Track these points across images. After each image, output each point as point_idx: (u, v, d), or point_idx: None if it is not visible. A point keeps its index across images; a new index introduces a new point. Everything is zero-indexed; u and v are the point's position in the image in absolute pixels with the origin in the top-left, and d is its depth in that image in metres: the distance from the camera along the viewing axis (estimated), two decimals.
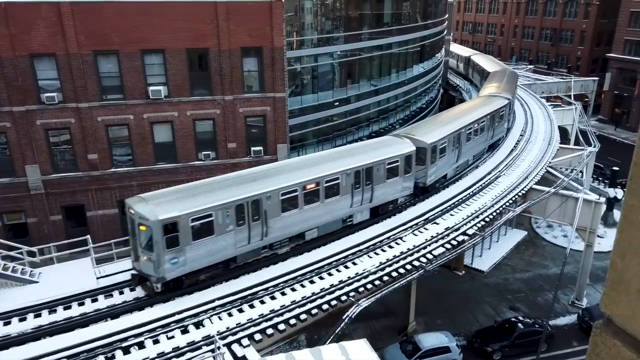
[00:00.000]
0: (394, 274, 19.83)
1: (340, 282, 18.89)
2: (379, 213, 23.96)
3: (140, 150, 26.48)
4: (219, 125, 27.34)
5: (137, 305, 17.05)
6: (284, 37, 26.99)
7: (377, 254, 21.04)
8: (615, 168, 42.13)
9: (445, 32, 56.48)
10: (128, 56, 24.91)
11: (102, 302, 17.08)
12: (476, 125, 30.96)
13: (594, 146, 37.99)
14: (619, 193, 38.53)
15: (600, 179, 45.73)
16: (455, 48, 70.81)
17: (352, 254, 20.69)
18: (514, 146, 35.37)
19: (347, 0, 35.54)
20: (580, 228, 27.70)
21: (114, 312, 16.58)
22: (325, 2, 34.86)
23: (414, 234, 22.66)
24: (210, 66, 26.29)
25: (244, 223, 18.55)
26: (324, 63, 34.86)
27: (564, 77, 64.47)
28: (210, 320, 16.47)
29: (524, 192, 28.07)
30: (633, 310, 1.44)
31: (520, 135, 38.12)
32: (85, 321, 16.05)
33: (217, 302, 17.25)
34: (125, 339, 15.31)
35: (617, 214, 37.92)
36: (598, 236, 30.26)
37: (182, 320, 16.31)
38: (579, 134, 42.61)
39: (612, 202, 38.01)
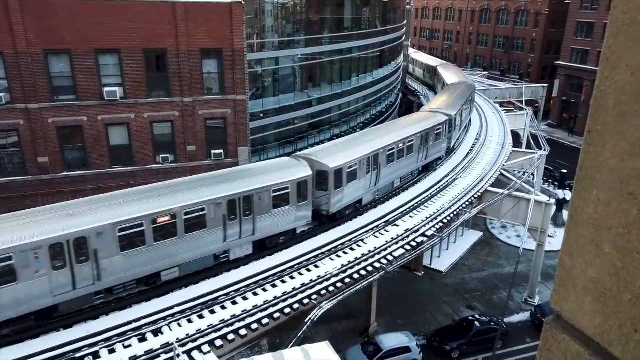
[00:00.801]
0: (356, 275, 20.00)
1: (303, 285, 18.86)
2: (266, 247, 21.01)
3: (95, 153, 25.56)
4: (177, 127, 26.76)
5: (92, 314, 16.42)
6: (244, 39, 26.77)
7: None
8: (564, 170, 44.19)
9: (403, 38, 57.65)
10: (81, 56, 24.02)
11: None
12: (401, 144, 27.46)
13: (544, 150, 39.72)
14: (567, 194, 40.39)
15: (550, 181, 47.82)
16: (422, 57, 69.77)
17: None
18: (470, 149, 36.46)
19: (308, 4, 35.68)
20: (532, 228, 28.84)
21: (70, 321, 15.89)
22: (286, 5, 34.86)
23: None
24: (168, 67, 25.72)
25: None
26: (285, 66, 34.83)
27: (516, 83, 67.14)
28: (169, 327, 16.07)
29: (479, 194, 28.97)
30: (580, 306, 1.51)
31: (476, 139, 39.35)
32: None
33: (177, 309, 16.86)
34: (79, 349, 14.70)
35: (565, 214, 39.62)
36: (549, 236, 31.60)
37: (140, 328, 15.83)
38: (530, 138, 44.46)
39: (561, 203, 39.80)
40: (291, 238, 21.87)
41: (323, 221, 23.27)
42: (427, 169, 31.72)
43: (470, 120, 42.18)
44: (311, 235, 22.53)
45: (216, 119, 27.53)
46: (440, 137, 31.42)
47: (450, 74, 51.52)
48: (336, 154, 23.92)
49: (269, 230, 20.57)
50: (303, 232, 22.87)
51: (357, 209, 25.40)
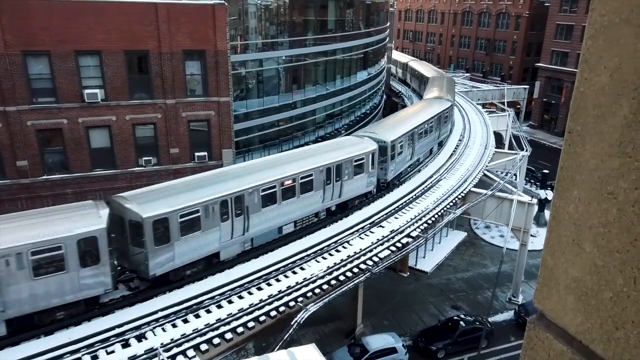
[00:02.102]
0: (342, 277, 20.01)
1: (289, 287, 18.80)
2: (347, 207, 25.38)
3: (75, 156, 25.15)
4: (160, 130, 26.48)
5: (73, 321, 16.12)
6: (227, 40, 26.63)
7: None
8: (546, 171, 44.90)
9: (387, 40, 58.02)
10: (60, 57, 23.62)
11: None
12: (427, 125, 32.86)
13: (526, 150, 40.32)
14: (549, 194, 41.03)
15: (532, 181, 48.52)
16: (398, 56, 73.17)
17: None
18: (454, 150, 36.80)
19: (292, 6, 35.67)
20: (515, 228, 29.22)
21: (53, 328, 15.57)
22: (269, 7, 34.80)
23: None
24: (150, 69, 25.45)
25: None
26: (269, 68, 34.76)
27: (498, 85, 68.06)
28: (154, 332, 15.86)
29: (463, 194, 29.26)
30: (562, 305, 1.52)
31: (459, 140, 39.74)
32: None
33: (161, 314, 16.66)
34: (61, 357, 14.42)
35: (547, 214, 40.34)
36: (531, 235, 32.04)
37: (123, 333, 15.60)
38: (512, 139, 45.07)
39: (543, 203, 40.41)
40: (362, 201, 26.35)
41: (382, 187, 28.38)
42: (441, 145, 37.70)
43: (453, 122, 42.75)
44: (296, 238, 22.49)
45: (199, 121, 27.32)
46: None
47: (422, 66, 60.34)
48: (390, 130, 28.94)
49: (351, 193, 25.06)
50: (287, 233, 22.84)
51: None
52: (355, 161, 25.06)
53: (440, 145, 37.69)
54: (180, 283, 18.52)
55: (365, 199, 26.93)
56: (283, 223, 22.41)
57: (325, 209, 24.83)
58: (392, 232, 23.51)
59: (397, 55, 73.77)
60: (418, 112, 35.37)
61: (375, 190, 27.78)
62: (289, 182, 21.94)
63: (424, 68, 59.85)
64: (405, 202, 27.06)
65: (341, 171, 24.21)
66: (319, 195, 23.38)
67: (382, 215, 25.24)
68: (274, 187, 21.19)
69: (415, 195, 28.05)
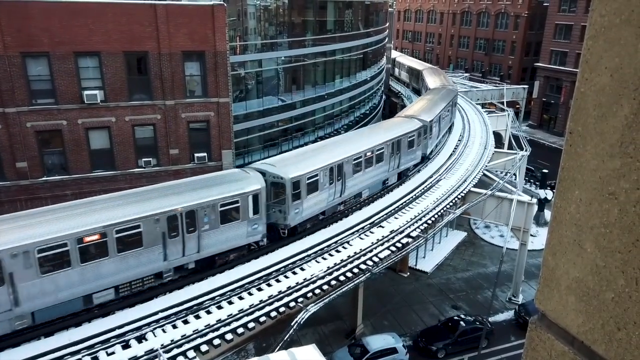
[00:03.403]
0: (342, 277, 20.01)
1: (289, 287, 18.80)
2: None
3: (75, 158, 25.13)
4: (160, 131, 26.47)
5: (75, 321, 16.11)
6: (227, 41, 26.63)
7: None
8: (545, 170, 44.91)
9: (386, 40, 58.04)
10: (60, 58, 23.61)
11: None
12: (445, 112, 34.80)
13: (526, 150, 40.33)
14: (548, 194, 41.05)
15: (531, 181, 48.53)
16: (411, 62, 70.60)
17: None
18: (454, 150, 36.81)
19: (291, 7, 35.67)
20: (515, 228, 29.23)
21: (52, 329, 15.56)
22: (268, 7, 34.81)
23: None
24: (150, 70, 25.44)
25: None
26: (269, 68, 34.76)
27: (497, 84, 68.07)
28: (154, 333, 15.85)
29: (462, 194, 29.26)
30: (564, 305, 1.52)
31: (459, 140, 39.75)
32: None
33: (161, 315, 16.65)
34: (61, 358, 14.41)
35: (547, 214, 40.38)
36: (531, 235, 32.05)
37: (123, 334, 15.59)
38: (511, 138, 45.09)
39: (542, 203, 40.41)
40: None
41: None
42: (450, 129, 40.38)
43: (452, 125, 42.82)
44: (296, 239, 22.48)
45: (199, 122, 27.31)
46: (451, 112, 40.83)
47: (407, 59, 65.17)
48: (426, 112, 33.57)
49: (407, 164, 30.30)
50: (287, 237, 22.82)
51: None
52: (409, 138, 29.99)
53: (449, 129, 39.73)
54: (181, 284, 18.52)
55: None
56: (364, 188, 26.78)
57: (389, 177, 29.39)
58: (392, 232, 23.51)
59: (408, 60, 70.71)
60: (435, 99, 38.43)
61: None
62: (369, 154, 26.35)
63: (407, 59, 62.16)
64: (405, 202, 27.06)
65: (401, 146, 29.24)
66: (386, 166, 28.32)
67: (382, 216, 25.24)
68: (360, 157, 25.59)
69: (415, 195, 28.05)
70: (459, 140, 39.71)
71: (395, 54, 74.56)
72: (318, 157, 23.73)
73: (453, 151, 36.61)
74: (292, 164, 22.40)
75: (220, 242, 19.49)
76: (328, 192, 23.55)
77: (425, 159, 33.28)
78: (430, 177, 31.06)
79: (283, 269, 20.05)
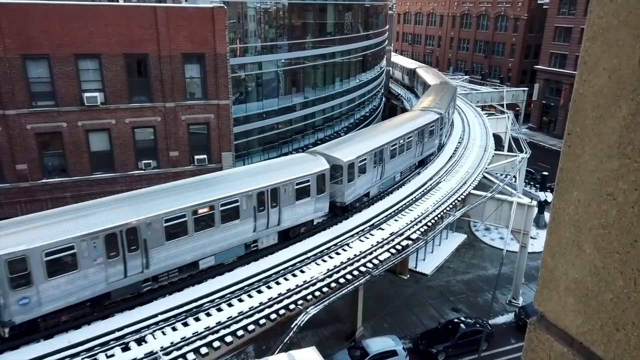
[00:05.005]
0: (342, 280, 19.99)
1: (289, 290, 18.78)
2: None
3: (75, 160, 25.14)
4: (160, 133, 26.49)
5: (75, 323, 16.08)
6: (226, 43, 26.67)
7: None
8: (545, 173, 44.91)
9: (386, 43, 58.13)
10: (60, 61, 23.64)
11: None
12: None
13: (526, 152, 40.33)
14: (548, 196, 41.04)
15: (531, 183, 48.53)
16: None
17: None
18: (454, 152, 36.81)
19: (291, 9, 35.73)
20: (515, 230, 29.21)
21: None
22: (268, 10, 34.87)
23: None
24: (150, 72, 25.47)
25: None
26: (269, 71, 34.79)
27: (497, 87, 68.13)
28: (153, 335, 15.83)
29: (462, 196, 29.26)
30: (563, 307, 1.52)
31: (459, 142, 39.75)
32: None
33: (160, 317, 16.63)
34: None
35: (547, 216, 40.27)
36: (531, 237, 32.01)
37: (123, 337, 15.56)
38: (511, 141, 45.10)
39: (542, 205, 40.40)
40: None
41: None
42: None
43: (452, 124, 42.84)
44: (297, 240, 22.48)
45: (199, 124, 27.33)
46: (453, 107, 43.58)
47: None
48: (438, 105, 35.76)
49: (428, 152, 33.30)
50: (289, 237, 22.84)
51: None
52: (430, 128, 32.57)
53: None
54: (181, 286, 18.50)
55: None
56: (396, 172, 29.72)
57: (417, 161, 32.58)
58: (392, 234, 23.49)
59: (402, 60, 72.62)
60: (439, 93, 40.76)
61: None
62: (402, 141, 29.23)
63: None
64: (405, 204, 27.05)
65: (424, 134, 31.90)
66: (414, 152, 31.07)
67: (382, 218, 25.23)
68: (395, 144, 28.34)
69: (415, 197, 28.05)
70: (458, 142, 39.72)
71: (393, 55, 74.85)
72: (364, 143, 26.78)
73: (453, 153, 36.61)
74: (345, 148, 25.46)
75: (295, 217, 22.28)
76: (372, 174, 26.73)
77: (441, 147, 36.45)
78: (430, 179, 31.06)
79: (283, 271, 20.03)
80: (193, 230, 18.36)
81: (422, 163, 33.77)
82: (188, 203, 18.31)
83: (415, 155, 31.99)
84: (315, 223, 23.74)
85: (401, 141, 29.35)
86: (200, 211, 18.64)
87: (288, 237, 22.42)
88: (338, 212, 24.88)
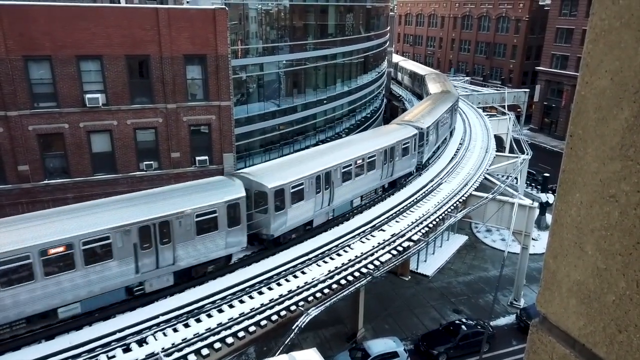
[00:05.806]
0: (343, 281, 19.97)
1: (290, 291, 18.77)
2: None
3: (76, 161, 25.18)
4: (161, 134, 26.52)
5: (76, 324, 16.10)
6: (228, 45, 26.71)
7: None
8: (546, 174, 44.85)
9: (387, 44, 58.15)
10: (62, 62, 23.69)
11: None
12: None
13: (527, 154, 40.29)
14: (550, 198, 40.99)
15: (533, 184, 48.47)
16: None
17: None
18: (455, 154, 36.81)
19: (292, 11, 35.77)
20: (517, 231, 29.18)
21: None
22: (270, 11, 34.91)
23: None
24: (151, 73, 25.51)
25: None
26: (270, 72, 34.83)
27: (498, 88, 68.10)
28: (155, 336, 15.83)
29: (464, 198, 29.23)
30: (565, 308, 1.52)
31: (460, 143, 39.75)
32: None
33: (162, 318, 16.63)
34: None
35: (549, 217, 40.29)
36: (532, 239, 31.98)
37: (124, 338, 15.57)
38: (513, 142, 45.07)
39: (544, 207, 40.35)
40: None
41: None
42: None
43: (452, 131, 42.81)
44: (297, 242, 22.47)
45: (200, 125, 27.36)
46: (452, 118, 41.58)
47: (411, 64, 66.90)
48: (423, 118, 33.38)
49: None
50: (288, 240, 22.82)
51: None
52: (403, 146, 30.65)
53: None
54: (182, 287, 18.50)
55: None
56: (357, 195, 27.10)
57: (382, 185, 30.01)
58: (393, 235, 23.48)
59: (411, 65, 69.90)
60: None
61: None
62: (360, 161, 26.53)
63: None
64: (406, 205, 27.03)
65: (394, 154, 30.11)
66: (379, 173, 28.53)
67: (383, 219, 25.22)
68: (350, 165, 25.38)
69: (416, 199, 28.03)
70: (460, 144, 39.70)
71: (397, 58, 74.45)
72: (305, 164, 23.15)
73: (454, 154, 36.59)
74: (277, 171, 22.06)
75: (197, 255, 18.92)
76: (315, 200, 22.83)
77: (420, 168, 32.27)
78: (432, 180, 31.04)
79: (284, 272, 20.03)
80: (42, 275, 14.72)
81: (393, 185, 29.74)
82: (33, 242, 14.39)
83: (382, 177, 27.87)
84: (235, 259, 20.62)
85: (359, 161, 25.52)
86: (51, 251, 14.91)
87: (191, 277, 19.13)
88: (268, 245, 21.55)
